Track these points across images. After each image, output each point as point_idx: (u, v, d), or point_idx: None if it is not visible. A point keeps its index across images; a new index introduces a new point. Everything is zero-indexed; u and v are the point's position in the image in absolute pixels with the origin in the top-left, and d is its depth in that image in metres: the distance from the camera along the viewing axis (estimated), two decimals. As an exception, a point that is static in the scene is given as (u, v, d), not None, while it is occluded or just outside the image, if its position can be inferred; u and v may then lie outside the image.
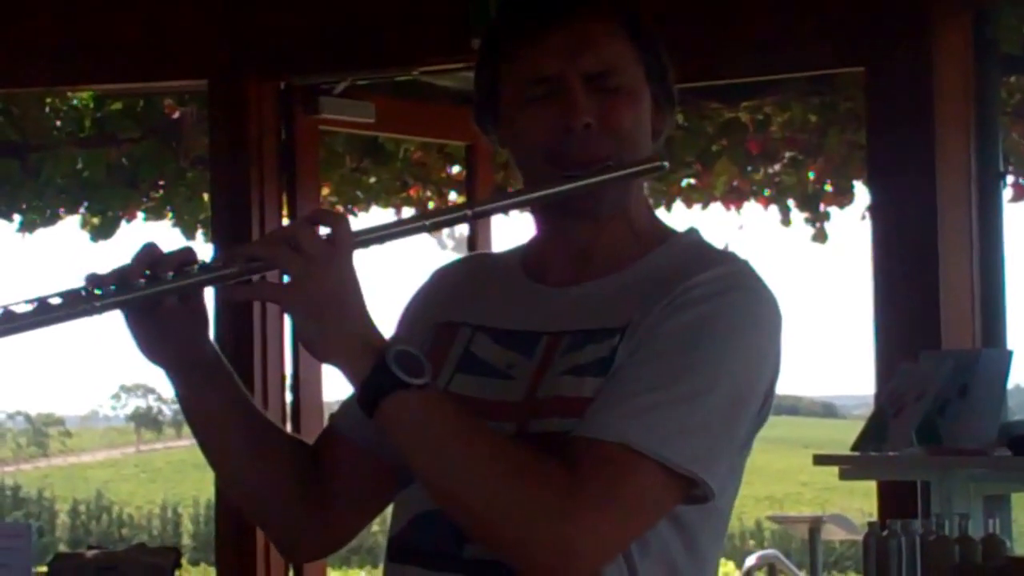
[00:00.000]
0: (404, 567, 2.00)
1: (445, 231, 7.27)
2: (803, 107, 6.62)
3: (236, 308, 5.36)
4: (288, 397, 5.62)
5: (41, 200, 7.42)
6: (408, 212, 7.37)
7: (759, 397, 1.97)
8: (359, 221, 6.89)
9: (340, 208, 7.23)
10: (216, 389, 2.04)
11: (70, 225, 7.62)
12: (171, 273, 1.91)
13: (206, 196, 6.91)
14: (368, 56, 5.48)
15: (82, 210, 7.51)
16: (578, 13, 2.01)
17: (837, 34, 4.89)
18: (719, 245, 2.06)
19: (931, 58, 4.74)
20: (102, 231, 7.52)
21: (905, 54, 4.76)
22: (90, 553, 4.15)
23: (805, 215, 7.24)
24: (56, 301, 1.89)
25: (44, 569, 4.15)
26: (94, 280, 1.90)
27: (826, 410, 36.68)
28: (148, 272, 1.91)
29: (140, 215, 7.55)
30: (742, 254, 2.03)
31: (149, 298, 1.92)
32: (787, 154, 7.00)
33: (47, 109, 7.15)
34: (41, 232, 7.59)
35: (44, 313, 1.88)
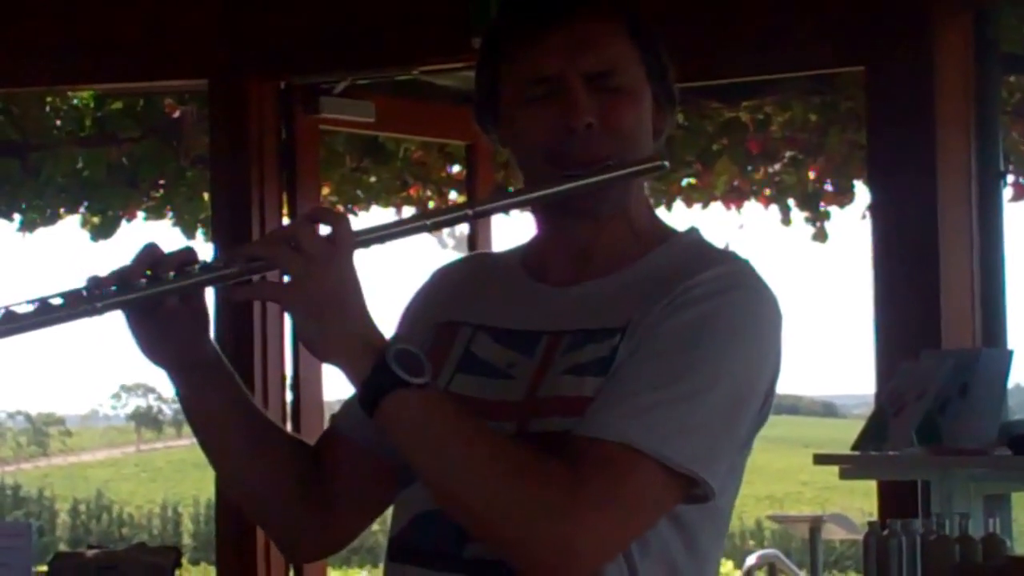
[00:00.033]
0: (404, 567, 2.00)
1: (445, 230, 7.27)
2: (803, 106, 6.62)
3: (236, 308, 5.36)
4: (288, 396, 5.62)
5: (41, 199, 7.42)
6: (408, 211, 7.37)
7: (759, 396, 1.97)
8: (359, 220, 6.90)
9: (340, 208, 7.23)
10: (217, 389, 2.04)
11: (70, 224, 7.63)
12: (172, 273, 1.91)
13: (206, 195, 6.91)
14: (368, 56, 5.48)
15: (82, 209, 7.52)
16: (579, 13, 2.02)
17: (837, 33, 4.89)
18: (719, 244, 2.07)
19: (931, 57, 4.74)
20: (102, 230, 7.53)
21: (905, 53, 4.75)
22: (90, 552, 4.14)
23: (805, 214, 7.24)
24: (57, 301, 1.89)
25: (44, 568, 4.15)
26: (96, 283, 1.90)
27: (826, 409, 36.69)
28: (149, 272, 1.91)
29: (140, 214, 7.56)
30: (742, 253, 2.03)
31: (150, 298, 1.93)
32: (787, 153, 7.00)
33: (47, 108, 7.15)
34: (41, 231, 7.60)
35: (45, 313, 1.88)
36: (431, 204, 7.39)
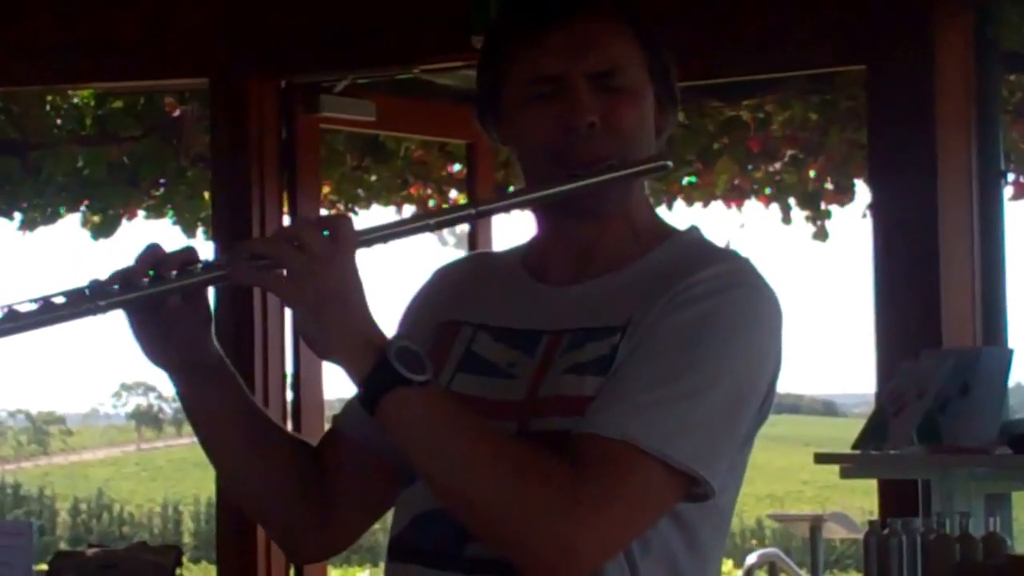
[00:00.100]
0: (405, 566, 2.00)
1: (446, 228, 7.28)
2: (804, 105, 6.61)
3: (237, 307, 5.36)
4: (289, 396, 5.62)
5: (42, 198, 7.42)
6: (409, 210, 7.37)
7: (760, 394, 1.97)
8: (360, 219, 6.90)
9: (341, 207, 7.24)
10: (218, 389, 2.04)
11: (71, 223, 7.63)
12: (174, 273, 1.91)
13: (207, 194, 6.91)
14: (369, 55, 5.48)
15: (83, 208, 7.51)
16: (581, 12, 2.02)
17: (838, 32, 4.89)
18: (720, 243, 2.07)
19: (932, 56, 4.74)
20: (103, 229, 7.52)
21: (906, 52, 4.75)
22: (91, 551, 4.15)
23: (806, 213, 7.24)
24: (60, 300, 1.89)
25: (45, 567, 4.15)
26: (98, 283, 1.90)
27: (827, 408, 36.72)
28: (152, 272, 1.91)
29: (141, 213, 7.55)
30: (743, 252, 2.03)
31: (153, 297, 1.93)
32: (788, 152, 6.99)
33: (48, 107, 7.15)
34: (42, 230, 7.60)
35: (48, 312, 1.88)
36: (432, 203, 7.39)
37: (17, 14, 5.62)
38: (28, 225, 7.53)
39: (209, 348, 2.02)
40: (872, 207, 5.02)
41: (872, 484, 4.85)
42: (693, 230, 2.09)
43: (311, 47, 5.48)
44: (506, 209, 2.06)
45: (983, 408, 4.16)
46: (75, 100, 7.11)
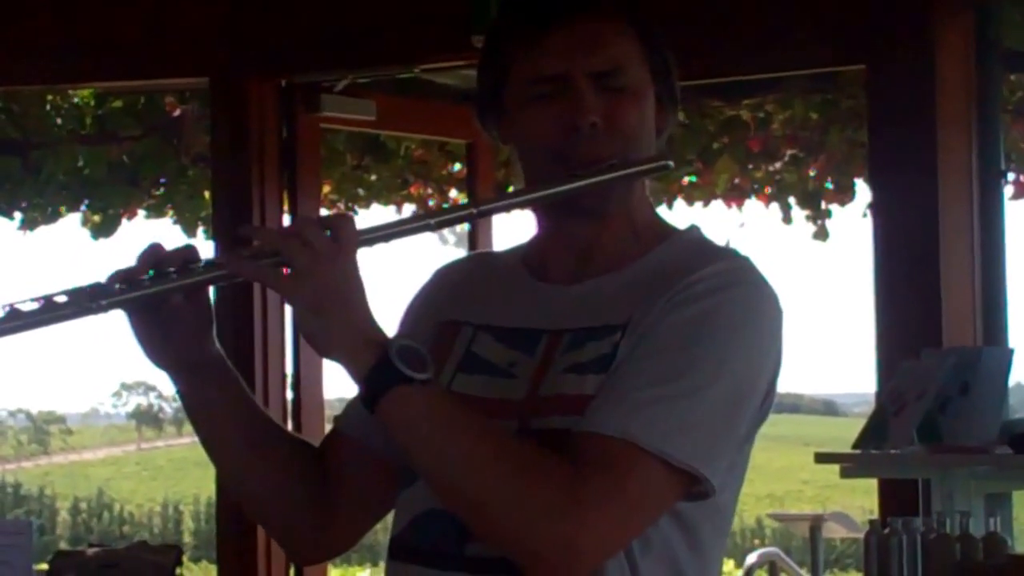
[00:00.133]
0: (406, 566, 2.00)
1: (447, 228, 7.28)
2: (804, 105, 6.61)
3: (237, 307, 5.36)
4: (289, 395, 5.62)
5: (42, 198, 7.42)
6: (409, 210, 7.38)
7: (760, 392, 1.97)
8: (360, 219, 6.89)
9: (341, 206, 7.24)
10: (219, 389, 2.04)
11: (71, 223, 7.64)
12: (174, 272, 1.91)
13: (207, 194, 6.91)
14: (369, 54, 5.48)
15: (83, 208, 7.52)
16: (584, 12, 2.01)
17: (838, 32, 4.89)
18: (720, 242, 2.07)
19: (932, 56, 4.74)
20: (103, 229, 7.53)
21: (906, 52, 4.75)
22: (91, 551, 4.15)
23: (806, 213, 7.24)
24: (62, 299, 1.89)
25: (45, 567, 4.15)
26: (99, 285, 1.90)
27: (827, 408, 36.72)
28: (153, 271, 1.91)
29: (141, 213, 7.56)
30: (743, 251, 2.03)
31: (154, 297, 1.93)
32: (788, 152, 7.00)
33: (48, 107, 7.15)
34: (42, 230, 7.60)
35: (50, 311, 1.89)
36: (432, 202, 7.39)
37: (17, 14, 5.62)
38: (28, 224, 7.54)
39: (210, 348, 2.02)
40: (872, 206, 5.02)
41: (872, 484, 4.85)
42: (693, 229, 2.09)
43: (311, 47, 5.48)
44: (507, 209, 2.06)
45: (983, 408, 4.16)
46: (75, 100, 7.11)
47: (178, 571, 4.05)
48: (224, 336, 2.02)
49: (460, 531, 1.92)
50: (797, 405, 34.19)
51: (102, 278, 1.91)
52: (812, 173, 7.12)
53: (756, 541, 20.63)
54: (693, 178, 7.18)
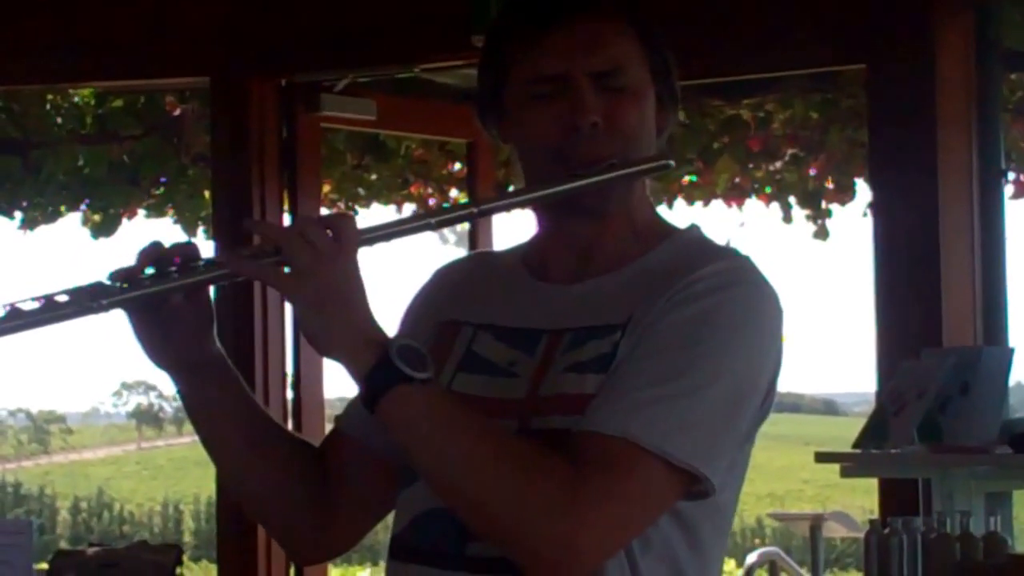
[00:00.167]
0: (406, 566, 2.00)
1: (447, 227, 7.28)
2: (804, 104, 6.62)
3: (237, 306, 5.36)
4: (289, 395, 5.62)
5: (42, 197, 7.43)
6: (409, 209, 7.38)
7: (760, 392, 1.97)
8: (361, 218, 6.89)
9: (341, 205, 7.24)
10: (219, 388, 2.04)
11: (71, 222, 7.65)
12: (175, 272, 1.91)
13: (207, 193, 6.91)
14: (369, 53, 5.48)
15: (83, 207, 7.52)
16: (584, 12, 2.02)
17: (838, 31, 4.89)
18: (720, 242, 2.07)
19: (932, 55, 4.74)
20: (103, 228, 7.53)
21: (907, 51, 4.75)
22: (91, 550, 4.15)
23: (806, 212, 7.24)
24: (63, 299, 1.89)
25: (45, 566, 4.15)
26: (100, 284, 1.90)
27: (827, 407, 36.72)
28: (153, 269, 1.91)
29: (141, 212, 7.56)
30: (743, 251, 2.03)
31: (155, 296, 1.93)
32: (788, 151, 7.00)
33: (48, 106, 7.15)
34: (42, 229, 7.61)
35: (51, 311, 1.89)
36: (432, 202, 7.40)
37: (17, 14, 5.62)
38: (29, 224, 7.54)
39: (210, 347, 2.02)
40: (872, 206, 5.02)
41: (873, 483, 4.85)
42: (693, 229, 2.09)
43: (311, 46, 5.48)
44: (507, 208, 2.06)
45: (983, 407, 4.16)
46: (75, 99, 7.11)
47: (178, 571, 4.05)
48: (224, 335, 2.02)
49: (461, 531, 1.92)
50: (797, 404, 34.19)
51: (102, 277, 1.92)
52: (812, 173, 7.12)
53: (756, 540, 20.64)
54: (693, 178, 7.18)
